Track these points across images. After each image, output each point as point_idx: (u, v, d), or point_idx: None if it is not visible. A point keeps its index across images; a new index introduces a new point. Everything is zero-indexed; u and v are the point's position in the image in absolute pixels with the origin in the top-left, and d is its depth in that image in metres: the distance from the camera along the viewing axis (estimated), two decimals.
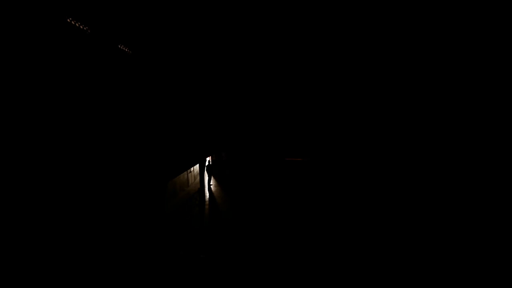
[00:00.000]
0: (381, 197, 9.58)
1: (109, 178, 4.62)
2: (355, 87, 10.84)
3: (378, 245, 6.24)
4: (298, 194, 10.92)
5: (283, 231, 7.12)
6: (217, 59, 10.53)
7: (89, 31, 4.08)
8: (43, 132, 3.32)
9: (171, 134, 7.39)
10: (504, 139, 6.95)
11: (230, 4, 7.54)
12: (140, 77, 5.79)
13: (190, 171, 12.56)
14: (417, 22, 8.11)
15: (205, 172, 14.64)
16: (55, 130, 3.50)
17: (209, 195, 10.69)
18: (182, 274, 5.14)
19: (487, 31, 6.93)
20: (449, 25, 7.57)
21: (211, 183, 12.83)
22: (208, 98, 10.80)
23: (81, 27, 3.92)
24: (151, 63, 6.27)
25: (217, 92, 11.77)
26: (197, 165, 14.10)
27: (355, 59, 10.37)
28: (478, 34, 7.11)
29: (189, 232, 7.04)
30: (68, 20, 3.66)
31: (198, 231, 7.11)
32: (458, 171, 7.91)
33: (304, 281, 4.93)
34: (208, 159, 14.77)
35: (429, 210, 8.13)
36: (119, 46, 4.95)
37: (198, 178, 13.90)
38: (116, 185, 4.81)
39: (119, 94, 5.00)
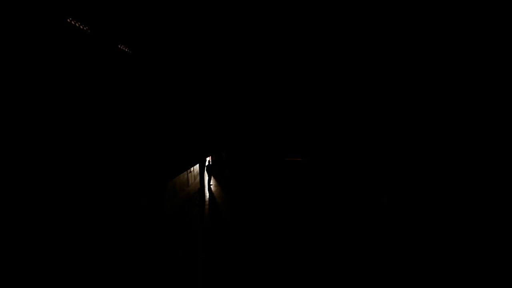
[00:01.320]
0: (380, 196, 9.58)
1: (109, 178, 4.62)
2: (355, 88, 10.84)
3: (377, 244, 6.24)
4: (298, 194, 10.92)
5: (282, 231, 7.12)
6: (217, 59, 10.52)
7: (89, 31, 4.08)
8: (44, 132, 3.32)
9: (171, 134, 7.39)
10: (504, 139, 6.95)
11: (230, 4, 7.54)
12: (140, 77, 5.79)
13: (190, 171, 12.55)
14: (416, 22, 8.11)
15: (205, 172, 14.64)
16: (56, 130, 3.50)
17: (209, 195, 10.69)
18: (182, 274, 5.14)
19: (488, 31, 6.93)
20: (450, 25, 7.57)
21: (211, 183, 12.83)
22: (208, 98, 10.79)
23: (81, 27, 3.92)
24: (151, 63, 6.27)
25: (217, 93, 11.77)
26: (197, 165, 14.10)
27: (355, 60, 10.36)
28: (479, 34, 7.11)
29: (189, 232, 7.04)
30: (68, 20, 3.66)
31: (198, 231, 7.11)
32: (455, 171, 7.91)
33: (303, 281, 4.93)
34: (208, 159, 14.77)
35: (427, 209, 8.13)
36: (119, 46, 4.95)
37: (198, 178, 13.89)
38: (117, 185, 4.81)
39: (119, 94, 5.00)
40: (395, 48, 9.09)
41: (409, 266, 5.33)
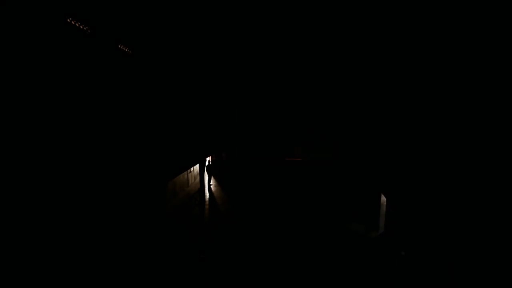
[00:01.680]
0: (379, 196, 9.58)
1: (109, 178, 4.62)
2: (354, 88, 10.84)
3: (376, 244, 6.24)
4: (298, 193, 10.93)
5: (282, 231, 7.12)
6: (217, 59, 10.52)
7: (89, 31, 4.08)
8: (45, 133, 3.32)
9: (171, 134, 7.39)
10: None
11: (230, 4, 7.54)
12: (140, 77, 5.79)
13: (190, 171, 12.55)
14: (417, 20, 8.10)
15: (205, 172, 14.64)
16: (56, 131, 3.50)
17: (209, 195, 10.69)
18: (182, 274, 5.14)
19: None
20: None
21: (211, 183, 12.83)
22: (208, 99, 10.79)
23: (81, 27, 3.92)
24: (151, 63, 6.27)
25: (217, 93, 11.77)
26: (197, 165, 14.10)
27: (353, 60, 10.37)
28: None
29: (189, 232, 7.04)
30: (68, 20, 3.66)
31: (198, 231, 7.11)
32: (453, 171, 7.89)
33: (303, 280, 4.94)
34: (208, 159, 14.77)
35: (427, 210, 8.12)
36: (119, 46, 4.94)
37: (198, 178, 13.89)
38: (117, 185, 4.81)
39: (119, 94, 5.00)
40: (392, 50, 9.08)
41: (405, 264, 5.34)
